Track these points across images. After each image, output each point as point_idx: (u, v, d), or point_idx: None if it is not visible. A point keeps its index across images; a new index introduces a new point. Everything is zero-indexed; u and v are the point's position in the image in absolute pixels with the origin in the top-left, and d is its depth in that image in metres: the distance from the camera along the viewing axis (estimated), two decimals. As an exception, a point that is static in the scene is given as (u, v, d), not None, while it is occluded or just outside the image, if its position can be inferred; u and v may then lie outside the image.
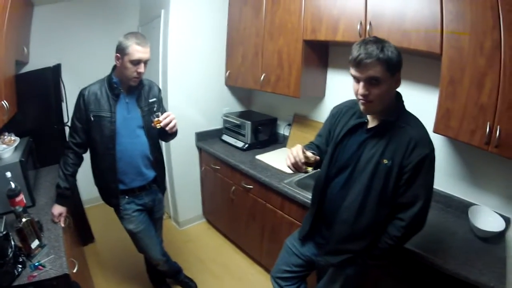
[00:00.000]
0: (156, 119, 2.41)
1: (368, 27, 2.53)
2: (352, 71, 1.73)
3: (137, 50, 2.30)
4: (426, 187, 1.79)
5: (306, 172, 1.94)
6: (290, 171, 3.13)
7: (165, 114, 2.43)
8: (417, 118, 1.86)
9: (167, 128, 2.44)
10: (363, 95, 1.73)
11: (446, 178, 2.66)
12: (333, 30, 2.85)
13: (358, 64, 1.67)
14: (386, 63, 1.63)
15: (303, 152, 1.87)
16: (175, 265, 3.27)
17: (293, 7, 3.18)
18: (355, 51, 1.68)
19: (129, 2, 4.71)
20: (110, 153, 2.51)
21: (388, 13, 2.42)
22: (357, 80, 1.74)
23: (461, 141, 2.10)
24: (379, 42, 1.66)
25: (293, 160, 1.87)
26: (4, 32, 2.35)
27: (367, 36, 2.52)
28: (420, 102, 2.46)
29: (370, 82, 1.69)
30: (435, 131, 2.20)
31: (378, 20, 2.49)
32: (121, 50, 2.34)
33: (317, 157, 1.92)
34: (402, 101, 1.88)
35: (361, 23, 2.59)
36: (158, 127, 2.43)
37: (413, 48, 2.29)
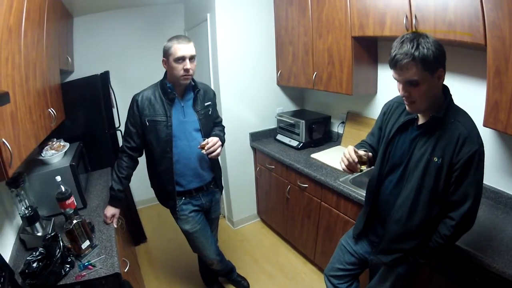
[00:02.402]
0: (203, 143, 2.48)
1: (414, 20, 2.46)
2: (392, 72, 1.72)
3: (178, 48, 2.36)
4: (476, 184, 1.74)
5: (362, 171, 1.95)
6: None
7: (211, 142, 2.49)
8: (465, 113, 1.80)
9: (208, 156, 2.53)
10: (403, 97, 1.74)
11: (496, 173, 2.56)
12: (380, 25, 2.79)
13: (394, 65, 1.66)
14: (422, 62, 1.59)
15: (355, 152, 1.88)
16: (229, 264, 3.32)
17: (339, 4, 3.13)
18: (392, 51, 1.66)
19: (173, 8, 4.84)
20: (168, 156, 2.56)
21: (431, 4, 2.34)
22: (397, 81, 1.73)
23: (510, 135, 2.01)
24: (415, 39, 1.60)
25: (346, 162, 1.90)
26: (44, 43, 2.45)
27: (413, 29, 2.45)
28: (469, 95, 2.39)
29: (409, 84, 1.67)
30: (485, 125, 2.11)
31: (423, 12, 2.41)
32: (165, 53, 2.43)
33: (370, 154, 1.93)
34: (450, 95, 1.81)
35: (406, 16, 2.52)
36: (202, 151, 2.50)
37: (459, 39, 2.20)
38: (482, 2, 2.00)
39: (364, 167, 1.91)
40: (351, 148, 1.91)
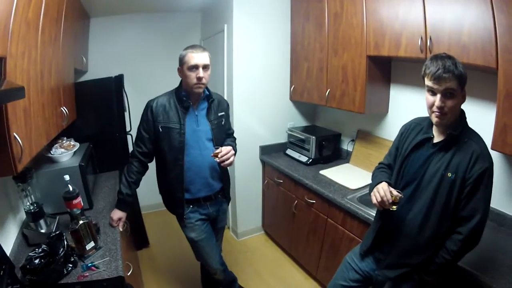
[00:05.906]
0: (216, 151, 2.49)
1: (428, 42, 2.49)
2: (430, 83, 1.80)
3: (192, 57, 2.40)
4: (484, 201, 1.80)
5: (393, 209, 1.95)
6: (353, 187, 3.12)
7: (224, 150, 2.50)
8: (478, 134, 1.87)
9: (221, 164, 2.55)
10: (439, 107, 1.79)
11: (501, 195, 2.56)
12: (396, 45, 2.80)
13: (437, 77, 1.74)
14: (460, 78, 1.73)
15: (390, 192, 1.91)
16: (231, 274, 3.29)
17: (356, 22, 3.15)
18: (433, 66, 1.76)
19: (190, 16, 4.91)
20: (179, 163, 2.57)
21: (446, 27, 2.38)
22: (433, 93, 1.80)
23: (517, 158, 2.02)
24: (453, 59, 1.75)
25: (379, 199, 1.92)
26: (60, 41, 2.50)
27: (428, 51, 2.50)
28: (477, 117, 2.37)
29: (445, 95, 1.76)
30: (493, 148, 2.13)
31: (438, 34, 2.44)
32: (180, 62, 2.47)
33: (402, 196, 1.94)
34: (465, 117, 1.90)
35: (421, 38, 2.54)
36: (215, 159, 2.51)
37: (472, 62, 2.23)
38: (495, 25, 2.04)
39: (395, 207, 1.93)
40: (386, 187, 1.94)
